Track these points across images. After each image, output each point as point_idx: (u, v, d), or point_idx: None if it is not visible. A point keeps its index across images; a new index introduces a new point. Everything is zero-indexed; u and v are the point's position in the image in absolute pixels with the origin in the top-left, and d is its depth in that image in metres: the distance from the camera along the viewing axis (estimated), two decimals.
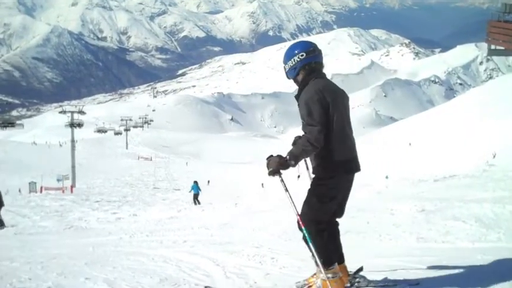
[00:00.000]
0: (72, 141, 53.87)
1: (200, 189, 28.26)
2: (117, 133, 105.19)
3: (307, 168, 4.95)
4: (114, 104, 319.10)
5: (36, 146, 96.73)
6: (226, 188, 22.24)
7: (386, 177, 20.81)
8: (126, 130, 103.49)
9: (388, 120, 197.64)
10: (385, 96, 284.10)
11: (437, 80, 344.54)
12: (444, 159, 33.90)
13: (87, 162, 70.20)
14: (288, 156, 4.33)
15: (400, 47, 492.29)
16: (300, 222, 4.46)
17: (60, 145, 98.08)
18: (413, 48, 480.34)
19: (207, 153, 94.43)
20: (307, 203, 4.51)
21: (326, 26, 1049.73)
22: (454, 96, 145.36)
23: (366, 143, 51.24)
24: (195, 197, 27.38)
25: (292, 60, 4.61)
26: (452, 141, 41.61)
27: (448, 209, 9.75)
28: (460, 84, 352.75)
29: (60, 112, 59.21)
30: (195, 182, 28.34)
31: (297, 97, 4.61)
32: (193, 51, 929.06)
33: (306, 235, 4.40)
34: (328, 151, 4.36)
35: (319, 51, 4.65)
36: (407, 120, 75.93)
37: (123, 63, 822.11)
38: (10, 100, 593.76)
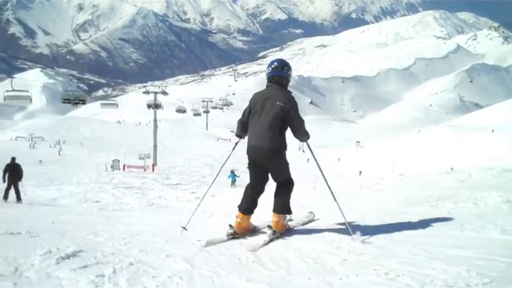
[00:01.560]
0: (155, 120, 54.88)
1: (238, 176, 29.66)
2: (196, 114, 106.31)
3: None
4: (196, 85, 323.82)
5: (120, 125, 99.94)
6: (305, 171, 22.11)
7: (451, 169, 20.12)
8: (206, 112, 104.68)
9: (473, 107, 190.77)
10: (470, 81, 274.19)
11: None
12: None
13: (168, 142, 71.83)
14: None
15: (489, 31, 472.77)
16: None
17: (136, 125, 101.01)
18: (503, 32, 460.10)
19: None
20: None
21: (411, 9, 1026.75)
22: None
23: (448, 130, 49.76)
24: (233, 183, 29.05)
25: (266, 70, 6.63)
26: None
27: None
28: None
29: (144, 92, 60.23)
30: (232, 171, 29.80)
31: None
32: (274, 33, 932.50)
33: None
34: None
35: (283, 68, 6.52)
36: (493, 107, 72.98)
37: (206, 45, 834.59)
38: (97, 79, 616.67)
